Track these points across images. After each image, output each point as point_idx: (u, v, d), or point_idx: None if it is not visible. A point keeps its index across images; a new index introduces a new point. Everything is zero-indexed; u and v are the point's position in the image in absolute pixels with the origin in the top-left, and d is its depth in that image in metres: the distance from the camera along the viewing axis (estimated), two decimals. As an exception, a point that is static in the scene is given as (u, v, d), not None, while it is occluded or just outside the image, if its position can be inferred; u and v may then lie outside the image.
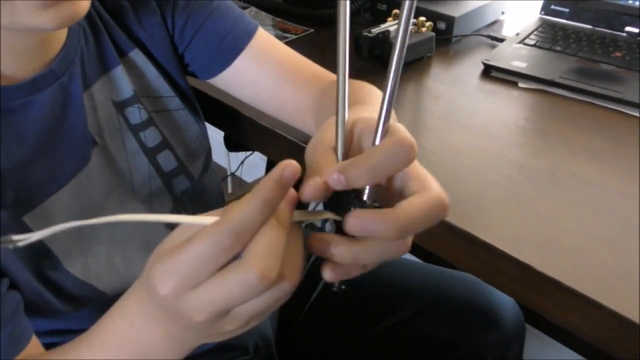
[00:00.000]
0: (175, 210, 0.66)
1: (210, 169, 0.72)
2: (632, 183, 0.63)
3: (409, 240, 0.35)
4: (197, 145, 0.69)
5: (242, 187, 1.97)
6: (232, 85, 0.70)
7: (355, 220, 0.31)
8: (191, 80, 0.71)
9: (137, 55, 0.64)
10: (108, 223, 0.57)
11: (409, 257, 1.01)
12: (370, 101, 0.52)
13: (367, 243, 0.33)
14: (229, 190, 1.99)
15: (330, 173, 0.32)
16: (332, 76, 0.67)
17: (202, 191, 0.70)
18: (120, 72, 0.62)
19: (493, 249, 0.55)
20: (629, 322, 0.47)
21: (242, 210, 0.30)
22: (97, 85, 0.60)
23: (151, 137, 0.64)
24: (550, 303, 0.52)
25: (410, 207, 0.32)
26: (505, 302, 0.84)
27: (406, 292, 0.84)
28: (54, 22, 0.46)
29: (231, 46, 0.67)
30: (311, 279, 0.46)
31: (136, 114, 0.63)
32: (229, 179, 1.98)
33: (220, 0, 0.68)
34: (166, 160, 0.65)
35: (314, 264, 0.36)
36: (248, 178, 2.00)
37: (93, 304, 0.58)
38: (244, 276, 0.30)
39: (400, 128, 0.34)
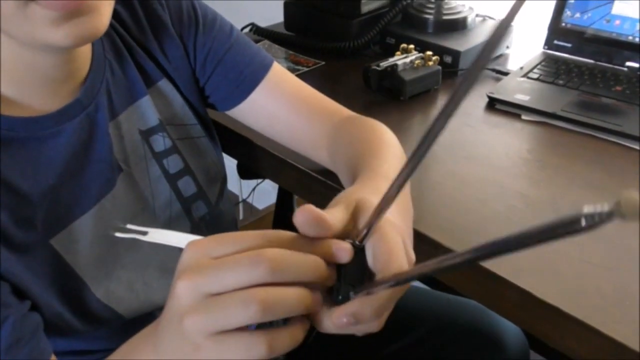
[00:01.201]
0: None
1: (225, 195, 0.74)
2: (631, 213, 0.65)
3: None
4: (215, 172, 0.72)
5: (254, 214, 2.00)
6: (248, 116, 0.72)
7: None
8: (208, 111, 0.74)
9: (165, 84, 0.66)
10: (129, 247, 0.60)
11: (416, 283, 1.02)
12: (382, 159, 0.55)
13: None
14: (241, 217, 2.01)
15: (339, 315, 0.37)
16: (344, 110, 0.70)
17: (219, 217, 0.72)
18: (147, 102, 0.64)
19: (496, 276, 0.57)
20: (625, 348, 0.49)
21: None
22: (123, 115, 0.62)
23: (174, 163, 0.66)
24: (550, 328, 0.54)
25: (372, 299, 0.36)
26: (509, 329, 0.85)
27: (413, 318, 0.86)
28: (70, 38, 0.46)
29: (249, 79, 0.69)
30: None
31: (160, 142, 0.65)
32: (241, 206, 2.00)
33: (238, 35, 0.71)
34: (186, 185, 0.67)
35: None
36: (259, 205, 2.02)
37: (111, 326, 0.60)
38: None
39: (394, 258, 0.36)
